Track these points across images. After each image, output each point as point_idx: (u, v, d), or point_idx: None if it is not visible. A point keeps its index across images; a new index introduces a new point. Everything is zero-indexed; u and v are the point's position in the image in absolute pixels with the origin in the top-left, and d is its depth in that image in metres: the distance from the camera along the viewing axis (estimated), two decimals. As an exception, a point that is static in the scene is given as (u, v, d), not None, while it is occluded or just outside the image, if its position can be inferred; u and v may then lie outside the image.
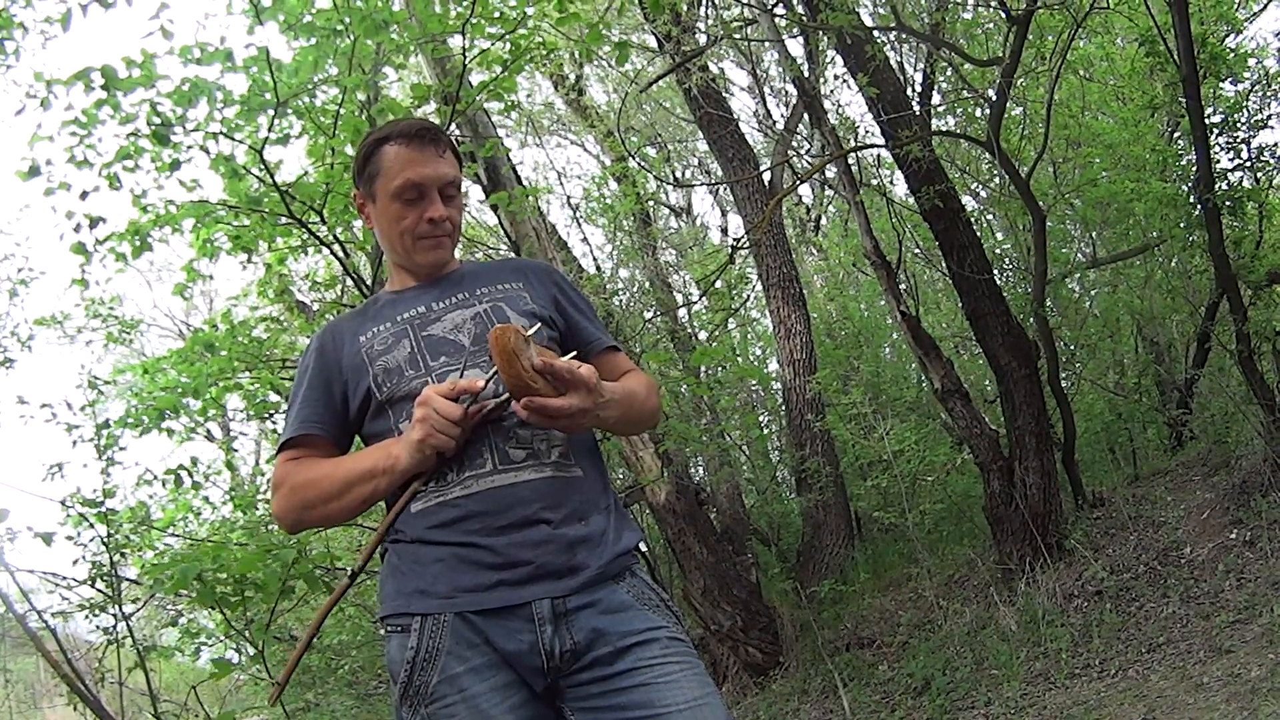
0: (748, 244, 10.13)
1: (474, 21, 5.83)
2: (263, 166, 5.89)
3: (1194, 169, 6.96)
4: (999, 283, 7.77)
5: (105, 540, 6.90)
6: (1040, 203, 7.63)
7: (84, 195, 6.20)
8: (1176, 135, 8.74)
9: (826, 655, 7.67)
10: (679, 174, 16.41)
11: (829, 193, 15.54)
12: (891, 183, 10.66)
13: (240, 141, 5.99)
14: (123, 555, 7.61)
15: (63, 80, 5.74)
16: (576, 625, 2.15)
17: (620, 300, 12.81)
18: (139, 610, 7.85)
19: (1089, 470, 8.89)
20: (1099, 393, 9.70)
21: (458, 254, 2.66)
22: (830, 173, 11.95)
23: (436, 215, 2.43)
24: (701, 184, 16.21)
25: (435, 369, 2.33)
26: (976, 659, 6.62)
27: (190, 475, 7.89)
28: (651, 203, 14.38)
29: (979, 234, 7.98)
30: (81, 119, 5.91)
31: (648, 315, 11.85)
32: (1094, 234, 9.57)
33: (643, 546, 2.54)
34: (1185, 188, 7.42)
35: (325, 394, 2.46)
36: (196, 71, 5.81)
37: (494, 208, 8.45)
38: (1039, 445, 7.22)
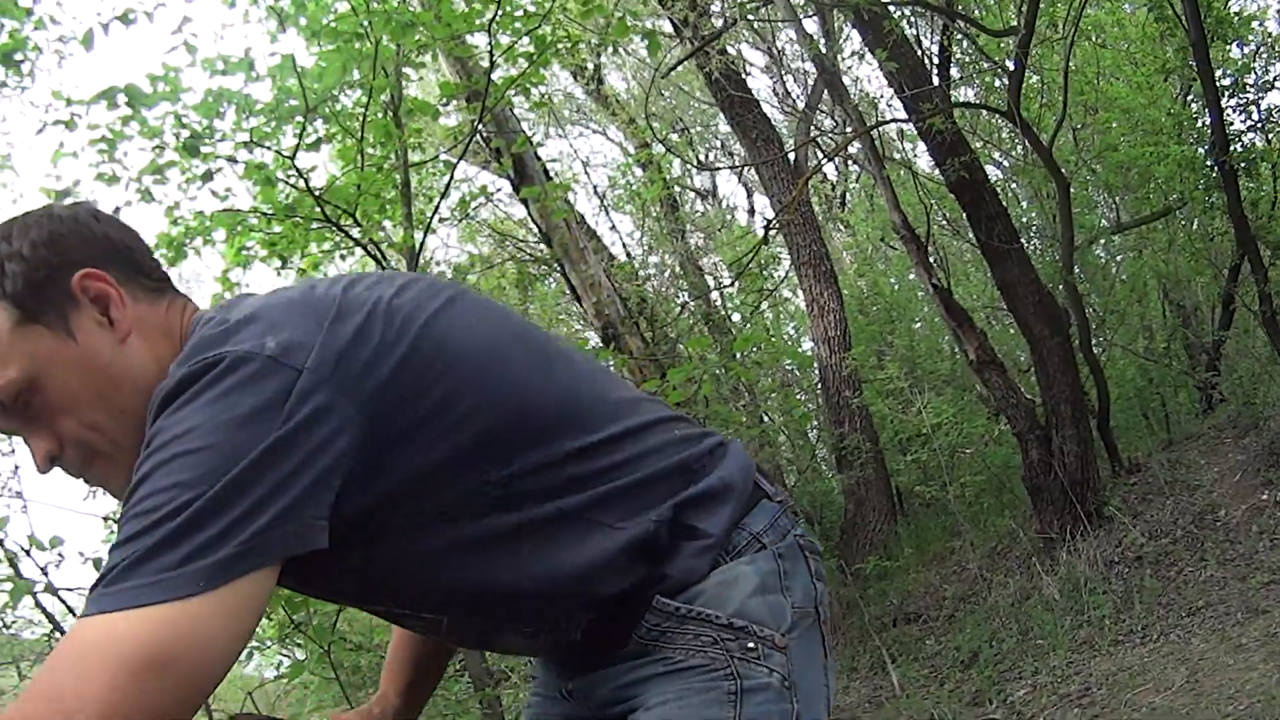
0: (780, 223, 10.13)
1: (500, 19, 5.86)
2: (296, 172, 5.93)
3: (1209, 131, 6.93)
4: (1027, 251, 7.75)
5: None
6: (1063, 170, 7.59)
7: (116, 210, 6.29)
8: (1190, 98, 8.69)
9: (874, 632, 7.69)
10: (702, 157, 16.41)
11: (853, 169, 15.51)
12: (914, 156, 10.64)
13: (270, 148, 6.04)
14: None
15: (86, 100, 5.82)
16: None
17: (653, 285, 12.84)
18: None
19: (1123, 436, 8.86)
20: (1130, 358, 9.66)
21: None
22: (854, 149, 11.93)
23: (40, 467, 1.38)
24: (727, 166, 16.20)
25: None
26: (1022, 629, 6.63)
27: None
28: (677, 187, 14.39)
29: (1004, 203, 7.96)
30: (108, 135, 5.99)
31: (681, 300, 11.87)
32: (1116, 199, 9.54)
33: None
34: (1202, 150, 7.40)
35: None
36: (220, 83, 5.88)
37: (524, 202, 8.51)
38: (1074, 413, 7.20)
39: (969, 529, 8.30)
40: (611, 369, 7.73)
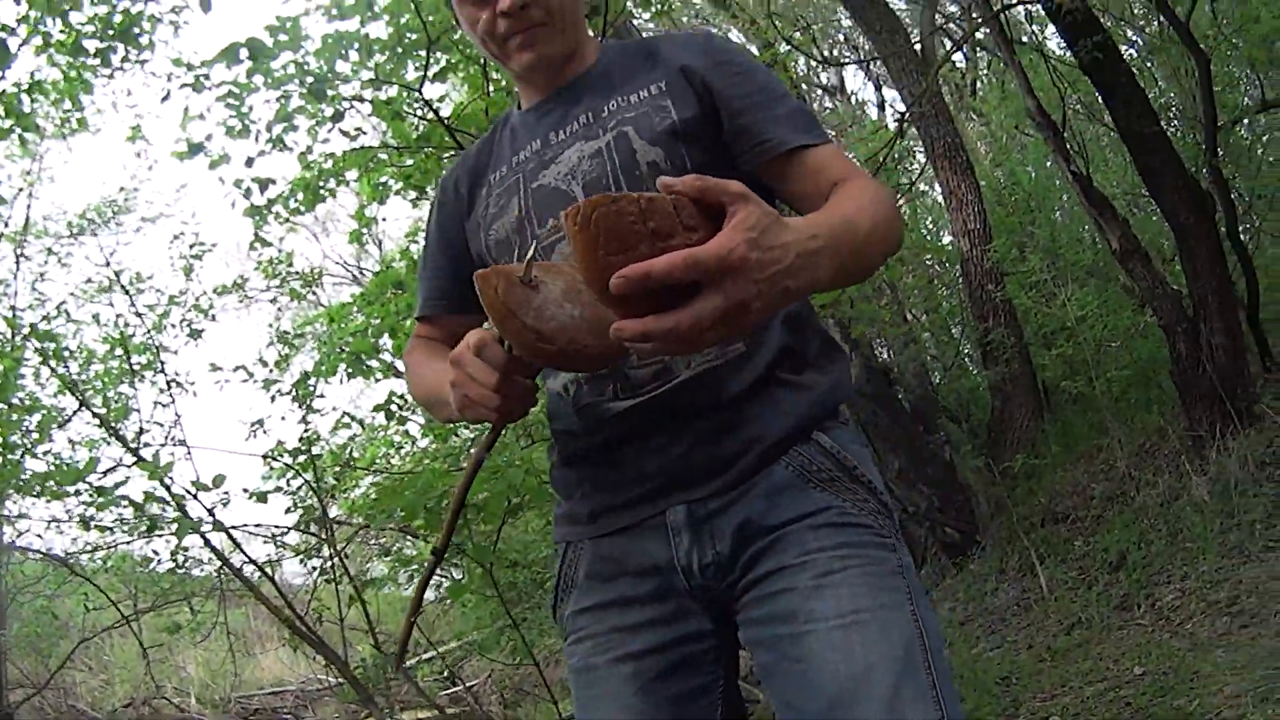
0: (912, 116, 9.91)
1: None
2: (424, 104, 6.00)
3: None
4: (1167, 134, 7.45)
5: (314, 485, 7.24)
6: (1202, 46, 7.25)
7: (249, 161, 6.46)
8: (1335, -42, 8.17)
9: (1022, 532, 7.63)
10: (826, 54, 16.08)
11: (982, 55, 15.01)
12: (1045, 38, 10.24)
13: (395, 83, 6.11)
14: (332, 497, 7.97)
15: (209, 60, 5.96)
16: (719, 529, 1.71)
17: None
18: (348, 545, 8.27)
19: (1274, 330, 8.48)
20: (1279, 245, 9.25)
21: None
22: (982, 34, 11.56)
23: (506, 5, 1.81)
24: (853, 61, 15.85)
25: (544, 239, 1.85)
26: (1171, 531, 6.50)
27: (398, 408, 8.13)
28: (804, 85, 14.13)
29: (1141, 83, 7.64)
30: (235, 89, 6.12)
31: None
32: (1261, 75, 9.02)
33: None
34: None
35: (448, 259, 2.07)
36: (338, 26, 5.96)
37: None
38: (1222, 304, 6.94)
39: (1116, 426, 8.12)
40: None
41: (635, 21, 9.07)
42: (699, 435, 1.72)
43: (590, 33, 1.99)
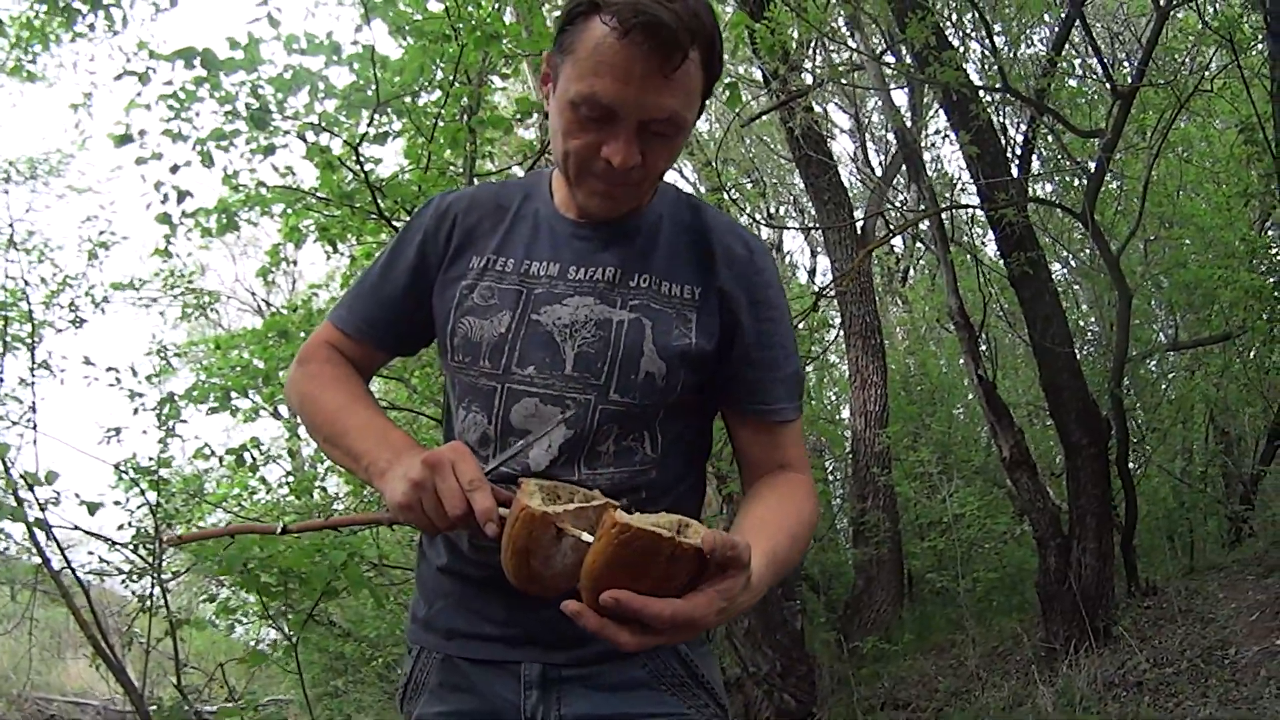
0: (832, 293, 10.02)
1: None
2: (358, 162, 5.90)
3: (1281, 263, 6.80)
4: (1079, 356, 7.58)
5: (154, 508, 6.96)
6: (1128, 281, 7.44)
7: (175, 168, 6.28)
8: (1268, 225, 8.52)
9: (860, 712, 7.54)
10: (773, 208, 16.34)
11: (920, 245, 15.37)
12: (983, 243, 10.49)
13: (337, 134, 6.01)
14: (170, 525, 7.66)
15: (164, 56, 5.82)
16: (567, 697, 1.83)
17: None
18: (179, 579, 7.92)
19: (1146, 557, 8.60)
20: (1164, 477, 9.44)
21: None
22: (923, 225, 11.82)
23: (618, 160, 1.64)
24: (794, 227, 16.14)
25: (516, 378, 1.78)
26: (1008, 736, 6.46)
27: (253, 456, 7.92)
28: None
29: (1065, 304, 7.80)
30: (180, 95, 5.98)
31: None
32: (1178, 316, 9.34)
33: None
34: (1272, 280, 7.24)
35: (403, 297, 1.94)
36: (300, 61, 5.87)
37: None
38: (1099, 526, 7.02)
39: (974, 625, 8.12)
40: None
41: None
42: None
43: None
